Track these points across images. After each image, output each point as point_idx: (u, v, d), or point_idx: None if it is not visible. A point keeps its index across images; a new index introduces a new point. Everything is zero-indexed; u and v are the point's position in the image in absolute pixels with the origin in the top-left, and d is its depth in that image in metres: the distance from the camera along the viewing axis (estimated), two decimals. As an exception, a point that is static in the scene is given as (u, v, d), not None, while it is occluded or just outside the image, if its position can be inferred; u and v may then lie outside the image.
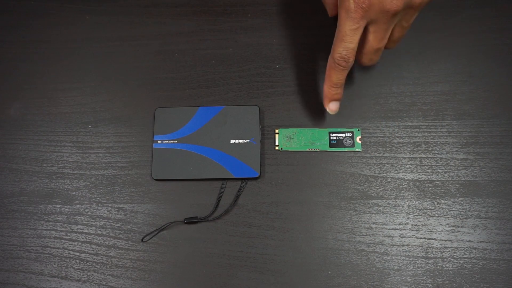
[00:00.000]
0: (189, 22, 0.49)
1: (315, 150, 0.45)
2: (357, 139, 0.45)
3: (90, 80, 0.47)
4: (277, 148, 0.45)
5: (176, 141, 0.44)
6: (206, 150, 0.43)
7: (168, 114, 0.44)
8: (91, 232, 0.43)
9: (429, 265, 0.42)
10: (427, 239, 0.42)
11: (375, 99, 0.46)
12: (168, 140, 0.44)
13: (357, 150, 0.45)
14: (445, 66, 0.47)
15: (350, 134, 0.45)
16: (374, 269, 0.42)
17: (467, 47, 0.47)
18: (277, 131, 0.45)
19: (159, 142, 0.44)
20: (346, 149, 0.44)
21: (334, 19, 0.40)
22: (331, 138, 0.45)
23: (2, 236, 0.43)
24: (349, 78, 0.46)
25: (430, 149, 0.45)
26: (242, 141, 0.43)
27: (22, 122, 0.46)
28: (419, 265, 0.42)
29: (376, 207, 0.43)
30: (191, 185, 0.44)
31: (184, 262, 0.42)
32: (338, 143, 0.45)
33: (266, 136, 0.45)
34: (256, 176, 0.43)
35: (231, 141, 0.44)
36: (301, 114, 0.46)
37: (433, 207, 0.43)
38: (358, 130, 0.45)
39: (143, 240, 0.42)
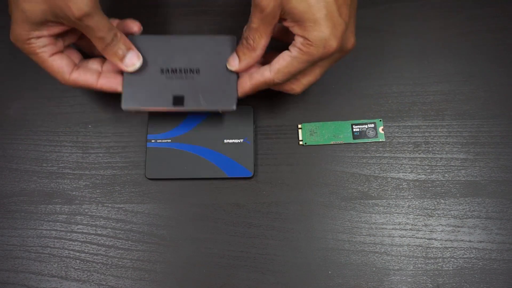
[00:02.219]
0: (189, 22, 0.49)
1: (339, 142, 0.44)
2: (380, 129, 0.45)
3: (90, 80, 0.47)
4: (301, 143, 0.44)
5: (170, 140, 0.44)
6: (199, 150, 0.43)
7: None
8: (91, 232, 0.43)
9: (429, 265, 0.42)
10: (427, 239, 0.42)
11: (375, 99, 0.46)
12: (162, 139, 0.44)
13: (380, 140, 0.45)
14: (445, 66, 0.47)
15: (372, 125, 0.45)
16: (374, 269, 0.42)
17: (467, 47, 0.47)
18: (300, 126, 0.45)
19: (152, 141, 0.44)
20: (370, 140, 0.44)
21: None
22: (354, 130, 0.45)
23: (2, 236, 0.43)
24: (349, 78, 0.46)
25: (430, 149, 0.45)
26: (235, 141, 0.43)
27: (22, 122, 0.46)
28: (419, 265, 0.42)
29: (376, 207, 0.43)
30: (191, 185, 0.44)
31: (184, 262, 0.42)
32: (361, 134, 0.45)
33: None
34: (250, 176, 0.43)
35: (225, 141, 0.43)
36: (301, 113, 0.46)
37: (433, 207, 0.43)
38: (380, 120, 0.45)
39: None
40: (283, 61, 0.36)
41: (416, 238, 0.42)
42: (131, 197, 0.44)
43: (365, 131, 0.45)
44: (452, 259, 0.42)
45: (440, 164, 0.44)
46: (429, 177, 0.44)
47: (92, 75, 0.39)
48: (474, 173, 0.44)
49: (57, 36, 0.38)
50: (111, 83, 0.39)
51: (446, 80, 0.46)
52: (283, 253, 0.42)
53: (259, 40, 0.37)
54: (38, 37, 0.36)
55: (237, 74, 0.40)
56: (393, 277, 0.41)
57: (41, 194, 0.44)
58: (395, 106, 0.46)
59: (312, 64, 0.35)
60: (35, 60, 0.37)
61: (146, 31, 0.48)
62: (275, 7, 0.34)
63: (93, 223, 0.43)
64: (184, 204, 0.44)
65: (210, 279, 0.42)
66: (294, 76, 0.37)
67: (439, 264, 0.42)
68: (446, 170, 0.44)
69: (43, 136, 0.46)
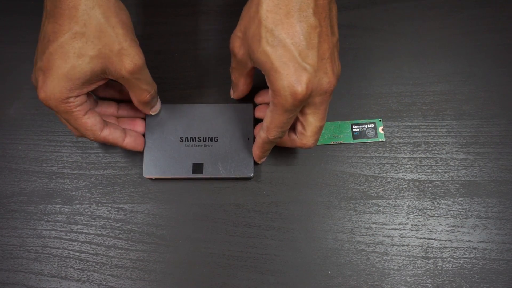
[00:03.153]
0: (189, 22, 0.49)
1: (339, 142, 0.44)
2: (380, 129, 0.45)
3: (90, 80, 0.47)
4: None
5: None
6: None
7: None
8: (91, 232, 0.43)
9: (429, 265, 0.42)
10: (427, 239, 0.42)
11: (375, 99, 0.46)
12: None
13: (380, 140, 0.45)
14: (445, 66, 0.47)
15: (372, 125, 0.45)
16: (374, 269, 0.42)
17: (467, 47, 0.47)
18: None
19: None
20: (370, 140, 0.45)
21: None
22: (354, 130, 0.45)
23: (2, 236, 0.43)
24: (349, 78, 0.46)
25: (430, 149, 0.45)
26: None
27: (22, 122, 0.46)
28: (419, 265, 0.42)
29: (376, 207, 0.43)
30: (191, 185, 0.44)
31: (184, 262, 0.42)
32: (361, 134, 0.45)
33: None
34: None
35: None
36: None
37: (433, 207, 0.43)
38: (380, 120, 0.45)
39: None
40: (267, 118, 0.36)
41: (416, 238, 0.42)
42: (131, 197, 0.44)
43: (365, 131, 0.45)
44: (452, 259, 0.42)
45: (440, 164, 0.44)
46: (429, 177, 0.44)
47: (120, 134, 0.40)
48: (474, 173, 0.44)
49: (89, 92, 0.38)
50: (136, 143, 0.42)
51: (446, 80, 0.46)
52: (283, 253, 0.42)
53: (238, 78, 0.40)
54: (77, 96, 0.35)
55: (253, 141, 0.42)
56: (393, 277, 0.41)
57: (41, 194, 0.44)
58: (395, 106, 0.46)
59: (292, 112, 0.34)
60: (67, 118, 0.36)
61: (146, 30, 0.49)
62: (244, 55, 0.36)
63: (93, 223, 0.43)
64: (184, 204, 0.44)
65: (210, 279, 0.42)
66: (284, 129, 0.36)
67: (439, 264, 0.42)
68: (446, 170, 0.44)
69: (43, 136, 0.46)
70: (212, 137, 0.43)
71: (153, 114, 0.42)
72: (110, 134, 0.39)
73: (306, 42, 0.32)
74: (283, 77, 0.32)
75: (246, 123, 0.43)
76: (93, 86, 0.36)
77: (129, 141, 0.41)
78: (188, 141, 0.43)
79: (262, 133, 0.38)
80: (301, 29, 0.32)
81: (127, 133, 0.41)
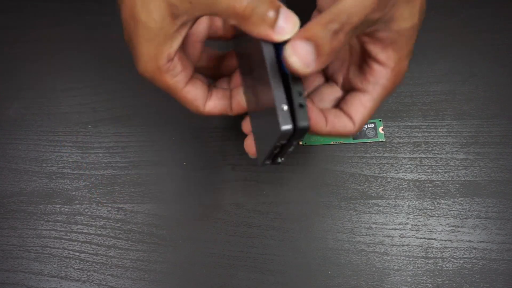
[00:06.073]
0: (189, 22, 0.49)
1: (339, 143, 0.45)
2: (380, 129, 0.45)
3: (90, 80, 0.47)
4: (301, 143, 0.44)
5: None
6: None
7: None
8: (91, 232, 0.43)
9: (429, 265, 0.42)
10: (427, 239, 0.42)
11: (375, 99, 0.46)
12: None
13: (380, 140, 0.45)
14: (445, 66, 0.47)
15: (372, 125, 0.45)
16: (374, 269, 0.42)
17: (467, 47, 0.47)
18: None
19: None
20: (370, 140, 0.45)
21: None
22: None
23: (2, 236, 0.43)
24: (349, 78, 0.46)
25: (430, 149, 0.45)
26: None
27: (22, 122, 0.46)
28: (419, 265, 0.42)
29: (376, 207, 0.43)
30: (191, 185, 0.44)
31: (184, 262, 0.42)
32: (361, 134, 0.45)
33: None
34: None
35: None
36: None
37: (433, 207, 0.43)
38: (380, 120, 0.45)
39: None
40: (365, 109, 0.30)
41: (416, 238, 0.42)
42: (131, 197, 0.44)
43: (365, 131, 0.45)
44: (452, 259, 0.42)
45: (440, 164, 0.44)
46: (429, 177, 0.44)
47: (227, 101, 0.33)
48: (474, 173, 0.44)
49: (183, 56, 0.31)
50: (241, 107, 0.33)
51: (446, 80, 0.46)
52: (283, 253, 0.42)
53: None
54: (169, 60, 0.29)
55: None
56: (393, 277, 0.41)
57: (41, 194, 0.44)
58: (394, 106, 0.46)
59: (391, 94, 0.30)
60: (167, 91, 0.31)
61: (146, 31, 0.48)
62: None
63: (93, 223, 0.43)
64: (184, 204, 0.44)
65: (210, 279, 0.42)
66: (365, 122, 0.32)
67: (439, 264, 0.42)
68: (446, 170, 0.44)
69: (43, 136, 0.46)
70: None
71: (284, 38, 0.26)
72: (215, 106, 0.33)
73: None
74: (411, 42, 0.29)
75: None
76: (183, 33, 0.29)
77: (236, 107, 0.33)
78: None
79: (349, 126, 0.31)
80: None
81: (233, 98, 0.33)
